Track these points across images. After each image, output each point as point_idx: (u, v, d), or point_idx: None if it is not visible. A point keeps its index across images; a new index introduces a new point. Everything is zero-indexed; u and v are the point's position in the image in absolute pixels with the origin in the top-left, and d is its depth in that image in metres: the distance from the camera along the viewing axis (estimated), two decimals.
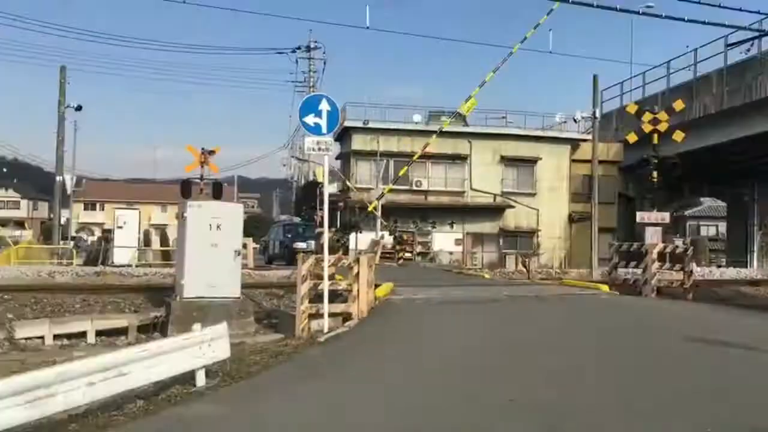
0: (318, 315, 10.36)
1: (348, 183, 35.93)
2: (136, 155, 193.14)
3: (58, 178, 32.11)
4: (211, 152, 23.19)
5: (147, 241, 31.95)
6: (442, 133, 36.88)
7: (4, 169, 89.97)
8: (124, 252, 25.61)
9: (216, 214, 11.78)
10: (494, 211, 37.25)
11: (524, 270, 23.76)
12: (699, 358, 7.88)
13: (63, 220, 38.78)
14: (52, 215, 37.60)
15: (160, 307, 12.52)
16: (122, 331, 12.26)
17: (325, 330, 10.06)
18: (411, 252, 30.13)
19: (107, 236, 31.74)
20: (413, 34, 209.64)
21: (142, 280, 17.36)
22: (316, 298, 10.59)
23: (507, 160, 37.55)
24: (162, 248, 30.81)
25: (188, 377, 7.06)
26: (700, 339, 8.99)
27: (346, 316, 10.80)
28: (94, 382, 5.85)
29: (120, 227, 26.53)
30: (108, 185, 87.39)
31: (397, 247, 28.62)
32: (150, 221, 67.49)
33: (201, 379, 7.08)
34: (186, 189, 22.07)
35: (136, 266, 23.09)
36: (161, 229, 46.51)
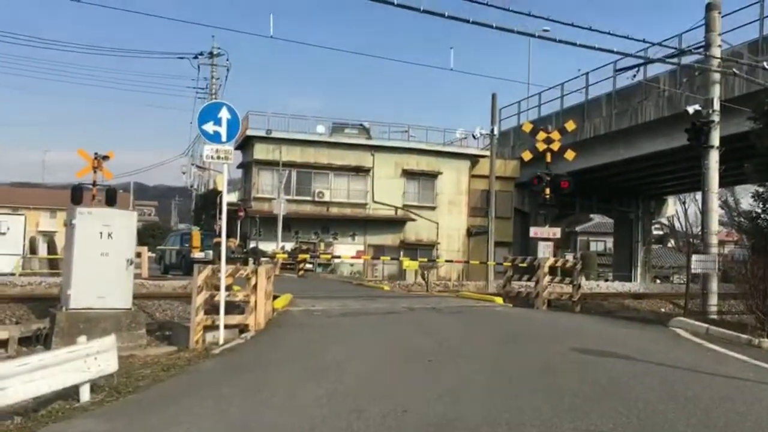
0: (214, 326, 10.17)
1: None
2: (24, 158, 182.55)
3: None
4: (105, 157, 22.35)
5: (33, 249, 30.24)
6: (345, 145, 37.15)
7: None
8: (6, 260, 24.14)
9: (107, 221, 11.31)
10: (396, 223, 37.75)
11: (423, 282, 24.16)
12: (578, 367, 8.26)
13: None
14: None
15: (45, 319, 11.89)
16: (2, 344, 11.55)
17: (221, 342, 9.89)
18: (312, 263, 29.96)
19: None
20: (317, 45, 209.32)
21: (25, 290, 16.43)
22: (212, 309, 10.39)
23: (409, 174, 38.18)
24: (49, 256, 29.25)
25: (72, 392, 6.76)
26: (581, 349, 9.43)
27: (243, 328, 10.66)
28: None
29: (2, 233, 25.01)
30: None
31: (298, 258, 28.39)
32: (38, 228, 64.04)
33: (85, 394, 6.80)
34: (77, 195, 21.16)
35: (20, 275, 21.81)
36: (49, 236, 44.17)
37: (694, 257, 15.17)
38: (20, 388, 6.07)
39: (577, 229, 64.26)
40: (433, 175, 38.42)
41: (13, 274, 21.86)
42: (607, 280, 36.06)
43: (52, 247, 32.07)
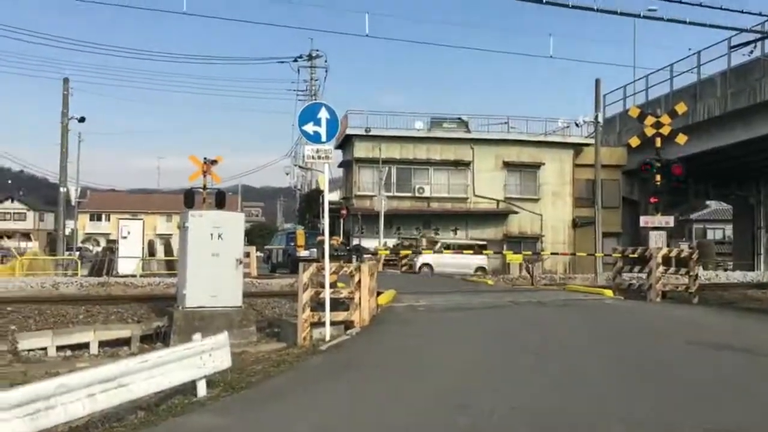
0: (320, 323, 10.33)
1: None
2: (140, 165, 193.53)
3: (61, 189, 32.37)
4: (214, 162, 23.34)
5: (151, 251, 31.96)
6: (443, 140, 37.05)
7: (10, 181, 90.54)
8: (128, 262, 25.66)
9: (217, 223, 11.77)
10: (498, 216, 37.23)
11: (528, 276, 23.70)
12: (696, 362, 7.83)
13: (68, 231, 38.97)
14: (57, 226, 37.82)
15: (163, 317, 12.52)
16: (125, 342, 12.27)
17: (327, 338, 10.03)
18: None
19: (112, 247, 31.84)
20: (411, 40, 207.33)
21: (145, 290, 17.37)
22: (318, 306, 10.58)
23: (510, 166, 37.54)
24: (166, 258, 30.80)
25: (189, 387, 7.04)
26: (698, 342, 8.94)
27: (348, 324, 10.77)
28: (94, 393, 5.84)
29: (124, 237, 26.60)
30: (113, 196, 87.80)
31: (401, 254, 28.56)
32: (155, 231, 67.70)
33: (202, 390, 7.06)
34: (189, 199, 22.18)
35: (141, 276, 23.09)
36: (165, 239, 46.59)
37: None
38: (142, 385, 6.37)
39: (692, 216, 61.29)
40: (535, 166, 37.59)
41: (134, 276, 23.16)
42: (726, 270, 34.14)
43: (168, 249, 33.81)
